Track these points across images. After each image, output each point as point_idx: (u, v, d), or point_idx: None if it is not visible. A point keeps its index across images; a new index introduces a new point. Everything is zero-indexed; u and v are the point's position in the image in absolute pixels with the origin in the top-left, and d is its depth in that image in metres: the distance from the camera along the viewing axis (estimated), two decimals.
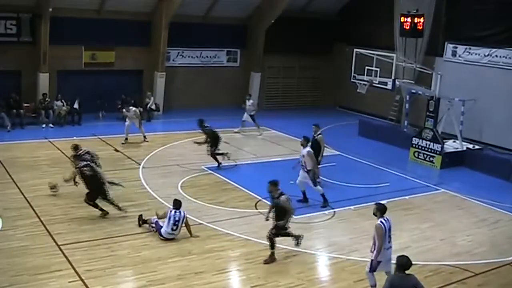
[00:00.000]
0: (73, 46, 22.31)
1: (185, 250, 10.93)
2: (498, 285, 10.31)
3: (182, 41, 24.77)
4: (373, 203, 13.47)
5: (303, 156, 13.71)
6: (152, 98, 23.86)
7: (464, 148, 19.07)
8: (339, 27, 27.41)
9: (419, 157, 18.93)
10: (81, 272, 9.71)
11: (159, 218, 11.50)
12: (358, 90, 21.45)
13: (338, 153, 19.36)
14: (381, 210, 9.18)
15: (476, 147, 19.48)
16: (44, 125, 20.98)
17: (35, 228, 11.53)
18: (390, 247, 9.23)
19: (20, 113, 20.86)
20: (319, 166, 15.70)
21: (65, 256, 10.28)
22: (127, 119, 19.24)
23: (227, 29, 25.62)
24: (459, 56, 21.96)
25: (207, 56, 26.09)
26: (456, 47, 22.05)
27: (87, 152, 13.37)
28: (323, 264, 11.02)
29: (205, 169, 16.50)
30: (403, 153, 19.45)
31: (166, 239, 11.23)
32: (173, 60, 25.25)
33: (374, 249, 9.07)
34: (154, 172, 16.07)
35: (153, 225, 11.53)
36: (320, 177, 15.77)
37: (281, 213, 10.47)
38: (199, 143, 16.65)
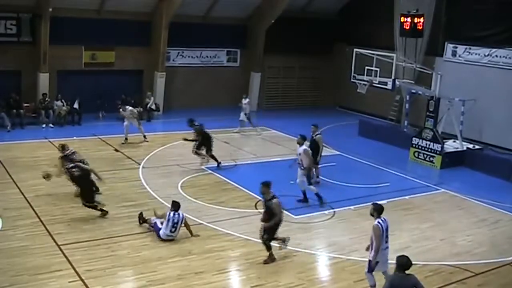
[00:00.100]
0: (73, 46, 22.31)
1: (185, 250, 10.93)
2: (498, 285, 10.31)
3: (182, 41, 24.77)
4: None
5: (300, 154, 13.74)
6: (152, 98, 23.87)
7: (464, 148, 19.07)
8: (339, 27, 27.41)
9: (419, 157, 18.93)
10: (81, 272, 9.71)
11: (158, 217, 11.50)
12: (358, 90, 21.45)
13: (338, 153, 19.37)
14: (378, 211, 9.16)
15: (476, 147, 19.48)
16: (44, 125, 20.98)
17: (35, 228, 11.53)
18: (387, 247, 9.22)
19: (20, 113, 20.87)
20: (319, 166, 15.78)
21: (65, 256, 10.28)
22: (125, 119, 19.22)
23: (227, 29, 25.62)
24: (459, 56, 21.96)
25: (207, 56, 26.09)
26: (456, 47, 22.06)
27: (74, 153, 13.34)
28: (323, 264, 11.02)
29: (205, 169, 16.50)
30: (403, 153, 19.45)
31: (165, 241, 11.23)
32: (173, 60, 25.26)
33: (372, 249, 9.07)
34: (154, 172, 16.07)
35: (152, 224, 11.53)
36: (320, 176, 15.85)
37: (271, 216, 10.39)
38: (189, 140, 16.63)
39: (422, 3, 21.05)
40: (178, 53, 25.34)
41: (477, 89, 20.26)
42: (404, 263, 7.46)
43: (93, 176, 12.53)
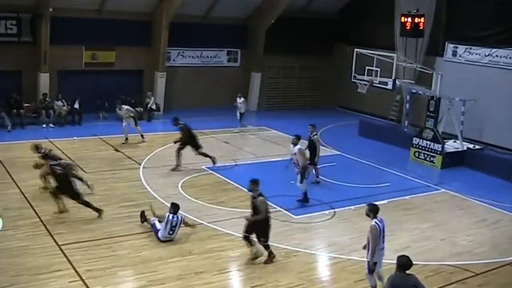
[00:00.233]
0: (74, 46, 22.32)
1: (185, 250, 10.93)
2: (498, 285, 10.31)
3: (183, 41, 24.78)
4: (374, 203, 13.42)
5: (295, 154, 13.73)
6: (152, 98, 23.87)
7: (465, 148, 19.06)
8: (339, 27, 27.40)
9: (420, 157, 18.93)
10: (82, 272, 9.72)
11: (157, 217, 11.49)
12: (358, 90, 21.46)
13: (338, 153, 19.38)
14: (374, 211, 9.13)
15: (477, 147, 19.47)
16: (44, 125, 21.00)
17: (35, 228, 11.54)
18: (384, 247, 9.21)
19: (21, 113, 20.88)
20: (318, 167, 15.77)
21: (66, 256, 10.29)
22: (123, 119, 19.20)
23: (227, 29, 25.63)
24: (460, 56, 21.96)
25: (207, 56, 26.10)
26: (457, 47, 22.06)
27: (51, 150, 13.38)
28: (323, 264, 11.02)
29: (205, 169, 16.51)
30: (403, 153, 19.45)
31: (164, 241, 11.24)
32: (174, 60, 25.27)
33: (369, 249, 9.05)
34: (154, 172, 16.07)
35: (152, 224, 11.54)
36: (320, 176, 15.84)
37: (256, 213, 10.37)
38: (176, 142, 16.56)
39: (422, 3, 21.04)
40: (179, 53, 25.35)
41: (477, 89, 20.26)
42: (404, 263, 7.46)
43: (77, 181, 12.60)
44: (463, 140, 19.26)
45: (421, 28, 20.39)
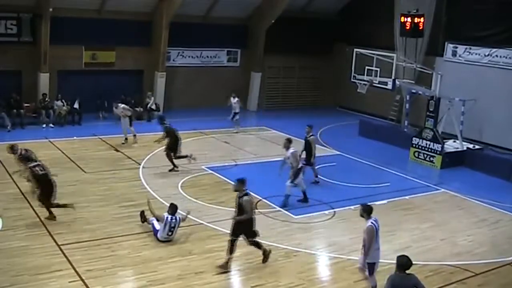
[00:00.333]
0: (74, 46, 22.31)
1: (185, 250, 10.93)
2: (498, 285, 10.31)
3: (183, 41, 24.77)
4: (374, 203, 13.47)
5: (289, 158, 13.64)
6: (152, 98, 23.86)
7: (464, 148, 19.07)
8: (339, 27, 27.40)
9: (419, 157, 18.94)
10: (82, 272, 9.72)
11: (156, 216, 11.48)
12: (358, 90, 21.46)
13: (338, 153, 19.38)
14: (367, 211, 9.09)
15: (477, 147, 19.48)
16: (44, 125, 20.99)
17: (35, 228, 11.53)
18: (379, 247, 9.18)
19: (21, 113, 20.87)
20: (316, 167, 15.76)
21: (65, 256, 10.28)
22: (121, 119, 19.16)
23: (227, 29, 25.63)
24: (459, 56, 21.96)
25: (207, 56, 26.10)
26: (456, 47, 22.06)
27: (27, 150, 13.24)
28: (323, 264, 11.02)
29: (205, 169, 16.51)
30: (403, 153, 19.46)
31: (164, 241, 11.24)
32: (174, 60, 25.26)
33: (366, 250, 9.02)
34: (154, 172, 16.06)
35: (151, 224, 11.55)
36: (320, 176, 15.84)
37: (241, 213, 10.13)
38: (159, 141, 16.44)
39: (422, 3, 21.05)
40: (179, 53, 25.34)
41: (477, 89, 20.26)
42: (404, 263, 7.46)
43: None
44: (463, 140, 19.27)
45: (421, 28, 20.40)
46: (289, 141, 13.88)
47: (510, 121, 19.79)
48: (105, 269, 9.89)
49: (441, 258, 11.19)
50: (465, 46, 21.65)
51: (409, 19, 20.33)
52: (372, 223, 8.97)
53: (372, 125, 22.86)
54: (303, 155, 15.14)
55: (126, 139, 19.05)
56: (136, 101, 23.23)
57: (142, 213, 12.01)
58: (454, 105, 19.38)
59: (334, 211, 13.56)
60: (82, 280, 9.47)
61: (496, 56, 20.52)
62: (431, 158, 18.53)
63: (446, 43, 22.36)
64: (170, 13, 23.25)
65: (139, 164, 16.67)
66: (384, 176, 16.97)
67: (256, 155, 18.61)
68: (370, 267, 9.07)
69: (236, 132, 21.56)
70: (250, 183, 14.80)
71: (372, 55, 20.68)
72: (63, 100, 21.72)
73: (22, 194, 13.49)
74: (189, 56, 25.65)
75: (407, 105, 21.99)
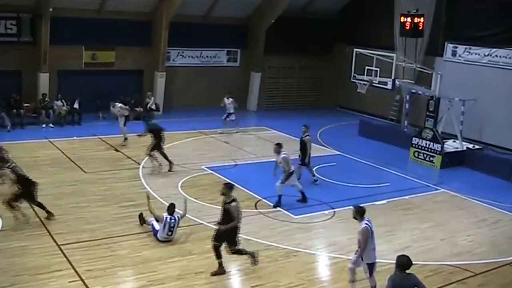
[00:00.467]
0: (73, 46, 22.31)
1: (185, 250, 10.93)
2: (498, 285, 10.31)
3: (182, 41, 24.77)
4: (374, 203, 13.49)
5: (280, 162, 13.61)
6: (152, 98, 23.83)
7: (464, 148, 19.07)
8: (339, 27, 27.41)
9: (419, 157, 18.94)
10: (81, 272, 9.72)
11: (155, 216, 11.47)
12: (358, 90, 21.44)
13: (338, 153, 19.38)
14: (360, 213, 9.05)
15: (476, 147, 19.48)
16: (44, 125, 20.98)
17: (35, 228, 11.53)
18: (375, 247, 9.18)
19: (20, 113, 20.87)
20: (314, 168, 15.74)
21: (65, 256, 10.29)
22: (119, 118, 19.14)
23: (227, 29, 25.63)
24: (459, 56, 21.96)
25: (207, 56, 26.10)
26: (456, 47, 22.06)
27: (1, 150, 13.23)
28: (323, 264, 11.02)
29: (205, 169, 16.51)
30: (403, 153, 19.46)
31: (164, 241, 11.24)
32: (173, 60, 25.26)
33: (362, 251, 9.01)
34: (154, 172, 16.06)
35: (150, 225, 11.55)
36: (320, 176, 15.83)
37: (227, 219, 9.80)
38: (141, 135, 16.53)
39: (422, 3, 21.06)
40: (178, 53, 25.34)
41: (477, 89, 20.26)
42: (404, 263, 7.47)
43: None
44: (463, 140, 19.27)
45: (420, 28, 20.40)
46: (279, 145, 13.78)
47: (510, 121, 19.79)
48: (105, 269, 9.89)
49: (441, 258, 11.20)
50: (465, 46, 21.65)
51: (409, 19, 20.34)
52: (366, 223, 8.96)
53: (372, 125, 22.86)
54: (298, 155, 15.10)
55: (125, 139, 19.03)
56: (136, 101, 23.22)
57: (140, 216, 11.99)
58: (454, 105, 19.38)
59: (334, 211, 13.57)
60: (82, 280, 9.47)
61: (496, 56, 20.52)
62: (431, 158, 18.54)
63: (446, 43, 22.36)
64: (170, 13, 23.26)
65: (139, 164, 16.67)
66: (384, 176, 16.97)
67: (256, 155, 18.61)
68: (370, 268, 9.08)
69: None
70: (250, 183, 15.01)
71: (372, 55, 20.67)
72: (63, 100, 21.71)
73: None
74: (189, 56, 25.65)
75: (407, 105, 21.99)
